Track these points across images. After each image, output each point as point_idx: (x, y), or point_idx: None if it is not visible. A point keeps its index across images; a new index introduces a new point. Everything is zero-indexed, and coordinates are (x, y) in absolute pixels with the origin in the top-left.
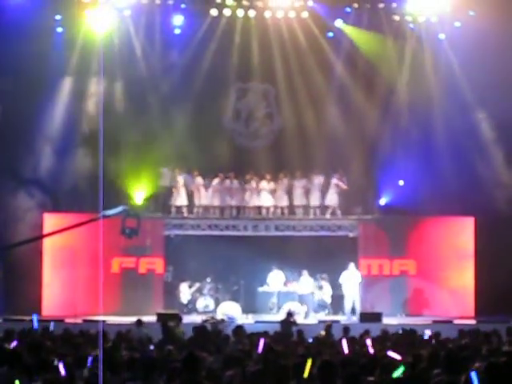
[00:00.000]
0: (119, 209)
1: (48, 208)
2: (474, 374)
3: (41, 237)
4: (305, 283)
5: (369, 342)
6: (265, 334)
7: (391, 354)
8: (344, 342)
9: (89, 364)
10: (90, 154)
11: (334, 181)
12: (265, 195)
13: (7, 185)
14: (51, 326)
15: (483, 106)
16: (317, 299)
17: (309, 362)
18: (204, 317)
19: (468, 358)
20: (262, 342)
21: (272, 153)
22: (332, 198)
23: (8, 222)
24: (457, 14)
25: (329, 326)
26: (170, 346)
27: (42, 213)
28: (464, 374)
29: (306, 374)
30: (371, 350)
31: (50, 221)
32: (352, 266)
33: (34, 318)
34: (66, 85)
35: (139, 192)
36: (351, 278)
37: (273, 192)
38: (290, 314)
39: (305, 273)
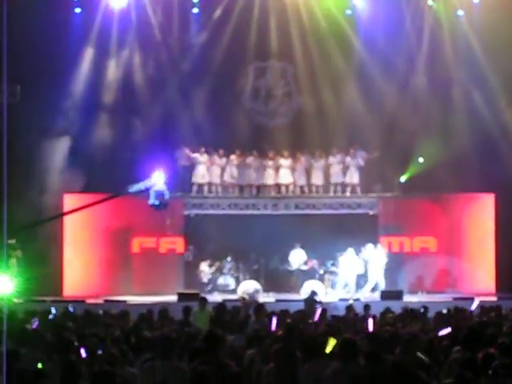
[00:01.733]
0: (144, 183)
1: (69, 188)
2: None
3: (61, 215)
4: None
5: (370, 321)
6: (285, 312)
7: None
8: (370, 320)
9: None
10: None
11: (349, 158)
12: (284, 172)
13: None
14: (70, 309)
15: (503, 82)
16: (337, 277)
17: (332, 340)
18: (235, 296)
19: (489, 335)
20: (274, 320)
21: (291, 131)
22: (352, 176)
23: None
24: None
25: (350, 306)
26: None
27: (62, 193)
28: (482, 351)
29: (328, 350)
30: (370, 328)
31: (71, 202)
32: (378, 244)
33: (53, 310)
34: (84, 67)
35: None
36: (377, 256)
37: (292, 169)
38: (313, 293)
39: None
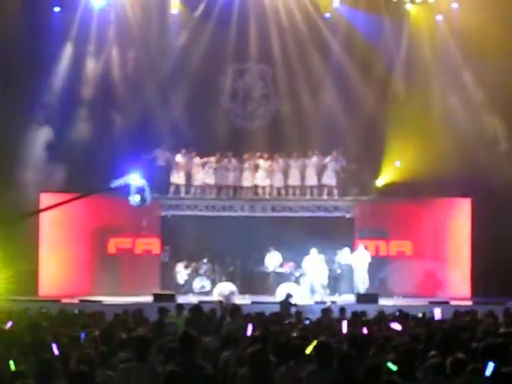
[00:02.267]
0: (124, 179)
1: (44, 188)
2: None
3: (38, 211)
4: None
5: (344, 323)
6: (261, 314)
7: (394, 325)
8: (344, 323)
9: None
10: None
11: (328, 160)
12: (261, 174)
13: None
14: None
15: (481, 86)
16: (313, 280)
17: (314, 342)
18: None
19: (464, 340)
20: (250, 326)
21: (269, 133)
22: (329, 178)
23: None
24: None
25: (327, 310)
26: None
27: (39, 192)
28: (452, 355)
29: (308, 351)
30: (344, 330)
31: (47, 201)
32: (361, 246)
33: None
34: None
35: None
36: (360, 258)
37: (269, 171)
38: (289, 295)
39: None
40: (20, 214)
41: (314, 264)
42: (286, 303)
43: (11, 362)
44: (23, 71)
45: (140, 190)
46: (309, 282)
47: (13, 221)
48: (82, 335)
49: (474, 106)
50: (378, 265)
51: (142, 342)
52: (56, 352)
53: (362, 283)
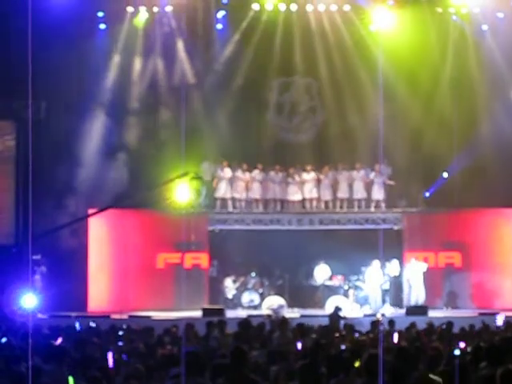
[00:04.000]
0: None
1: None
2: None
3: (83, 218)
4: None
5: (396, 335)
6: (309, 328)
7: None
8: (395, 334)
9: (124, 359)
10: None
11: (375, 174)
12: (309, 187)
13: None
14: (92, 324)
15: None
16: (362, 293)
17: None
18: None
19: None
20: (299, 344)
21: (315, 146)
22: (378, 192)
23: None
24: (500, 5)
25: (377, 322)
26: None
27: (87, 208)
28: (503, 367)
29: (357, 364)
30: (395, 341)
31: (95, 216)
32: (413, 258)
33: (77, 324)
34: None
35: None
36: (418, 269)
37: (317, 184)
38: (338, 309)
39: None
40: (65, 223)
41: (375, 276)
42: (335, 316)
43: (70, 379)
44: (70, 89)
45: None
46: (370, 294)
47: (57, 229)
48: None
49: None
50: (427, 276)
51: (193, 358)
52: (111, 363)
53: (417, 295)
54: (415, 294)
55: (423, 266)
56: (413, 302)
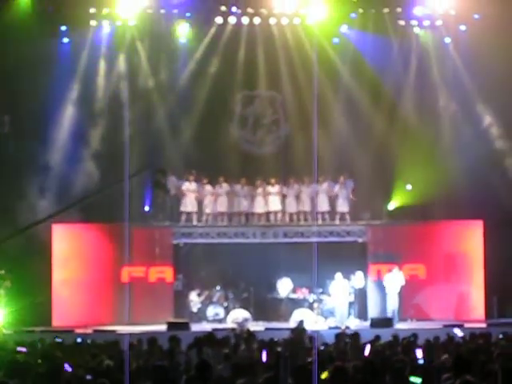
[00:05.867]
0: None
1: (57, 219)
2: None
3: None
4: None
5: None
6: (273, 342)
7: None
8: (367, 346)
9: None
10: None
11: (338, 187)
12: (273, 200)
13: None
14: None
15: (491, 109)
16: (326, 305)
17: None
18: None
19: (479, 362)
20: (264, 353)
21: (279, 159)
22: (342, 205)
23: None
24: (462, 17)
25: (341, 335)
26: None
27: (51, 223)
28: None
29: (323, 376)
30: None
31: (59, 231)
32: (395, 268)
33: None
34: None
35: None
36: (393, 281)
37: (280, 197)
38: (301, 322)
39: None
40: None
41: (340, 289)
42: (299, 330)
43: None
44: (32, 103)
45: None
46: (335, 307)
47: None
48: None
49: (484, 129)
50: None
51: (160, 371)
52: (69, 369)
53: (393, 305)
54: (391, 304)
55: (402, 279)
56: (389, 313)
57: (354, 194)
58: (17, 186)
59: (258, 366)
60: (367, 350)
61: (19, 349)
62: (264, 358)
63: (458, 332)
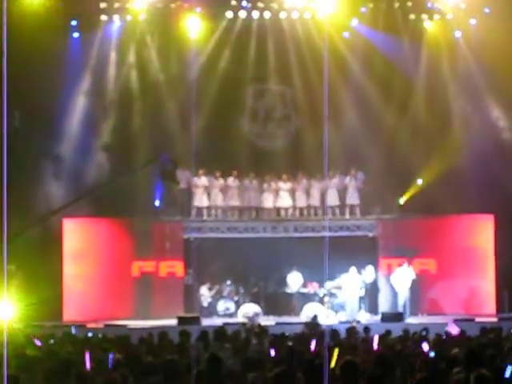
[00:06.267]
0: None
1: (68, 212)
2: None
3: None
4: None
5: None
6: (284, 336)
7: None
8: (375, 337)
9: (110, 366)
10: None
11: (349, 179)
12: (283, 195)
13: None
14: (73, 330)
15: (501, 101)
16: (337, 300)
17: (336, 352)
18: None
19: (489, 357)
20: (273, 351)
21: (290, 153)
22: (352, 197)
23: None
24: (472, 11)
25: (352, 329)
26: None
27: (62, 218)
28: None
29: (332, 365)
30: (375, 347)
31: (70, 226)
32: (406, 264)
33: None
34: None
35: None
36: (404, 276)
37: (291, 192)
38: (315, 317)
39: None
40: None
41: (353, 282)
42: (313, 324)
43: None
44: (44, 97)
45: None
46: (347, 301)
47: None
48: (109, 358)
49: (494, 122)
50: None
51: (171, 366)
52: (88, 366)
53: (404, 300)
54: (402, 298)
55: (413, 273)
56: (400, 308)
57: (364, 187)
58: (30, 175)
59: (269, 360)
60: (375, 342)
61: (35, 341)
62: (272, 353)
63: (453, 329)
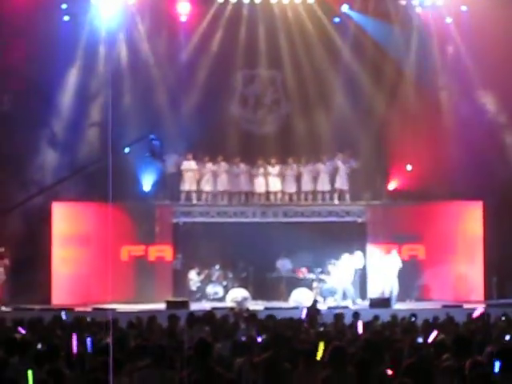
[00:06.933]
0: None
1: (57, 196)
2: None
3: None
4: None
5: (360, 324)
6: (273, 321)
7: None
8: (360, 324)
9: (89, 349)
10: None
11: (339, 163)
12: (273, 180)
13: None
14: (63, 316)
15: (490, 88)
16: (326, 285)
17: (321, 345)
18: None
19: (478, 343)
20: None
21: (280, 139)
22: (341, 181)
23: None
24: None
25: (340, 315)
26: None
27: (51, 201)
28: (470, 359)
29: (318, 356)
30: (360, 331)
31: (59, 209)
32: (394, 251)
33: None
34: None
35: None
36: (392, 262)
37: (281, 177)
38: (315, 302)
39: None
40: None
41: (344, 268)
42: (313, 310)
43: (29, 373)
44: (33, 84)
45: (153, 145)
46: (340, 287)
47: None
48: (89, 343)
49: (485, 109)
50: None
51: (159, 350)
52: (75, 348)
53: (391, 286)
54: (389, 285)
55: (399, 261)
56: (387, 293)
57: (354, 172)
58: (25, 141)
59: (257, 345)
60: (360, 327)
61: (19, 329)
62: (259, 339)
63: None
